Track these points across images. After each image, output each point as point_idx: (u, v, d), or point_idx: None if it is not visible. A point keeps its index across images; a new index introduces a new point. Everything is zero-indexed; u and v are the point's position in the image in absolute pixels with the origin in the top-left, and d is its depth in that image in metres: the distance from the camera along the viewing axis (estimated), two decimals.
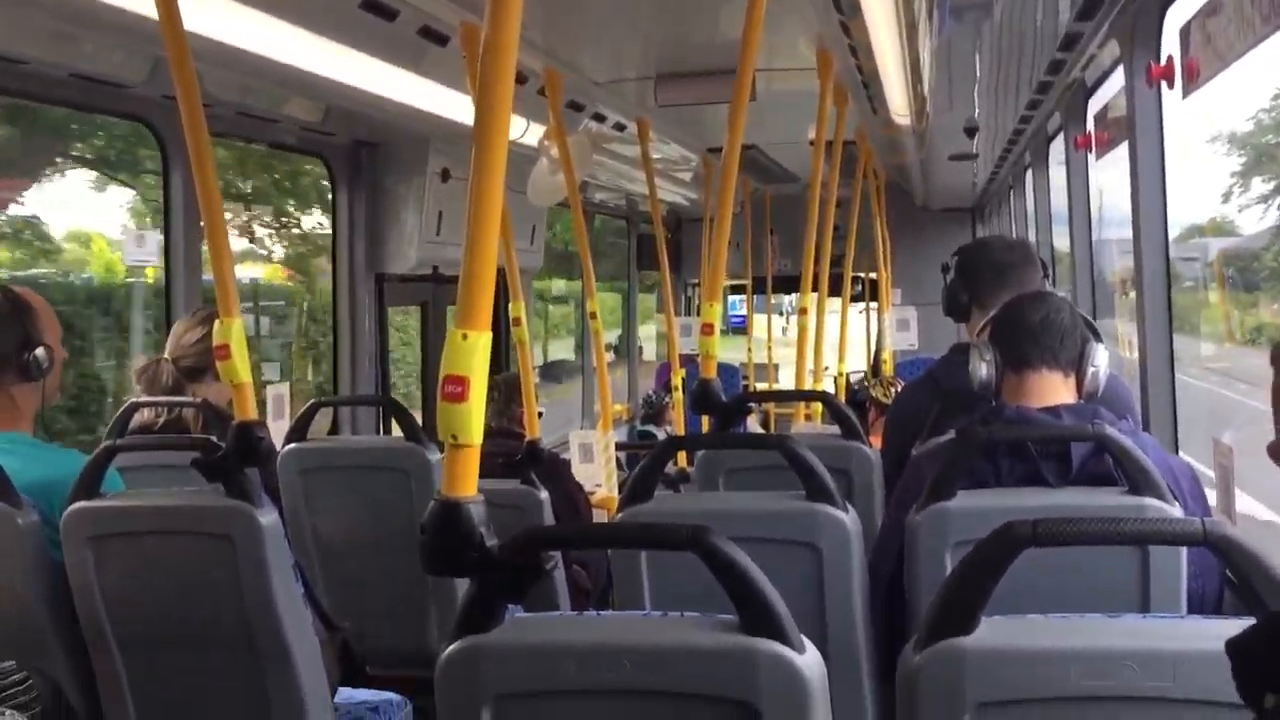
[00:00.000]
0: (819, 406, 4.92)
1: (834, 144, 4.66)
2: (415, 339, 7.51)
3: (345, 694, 2.88)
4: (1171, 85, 3.16)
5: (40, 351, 2.52)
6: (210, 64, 3.35)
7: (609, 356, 7.25)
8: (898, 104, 5.04)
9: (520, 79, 4.02)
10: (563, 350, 11.27)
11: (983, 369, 2.44)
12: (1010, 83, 5.17)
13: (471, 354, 1.59)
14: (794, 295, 11.44)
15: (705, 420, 3.56)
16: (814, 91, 4.12)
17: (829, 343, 5.94)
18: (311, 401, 3.70)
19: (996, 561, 1.47)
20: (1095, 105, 4.71)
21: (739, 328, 10.80)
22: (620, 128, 5.39)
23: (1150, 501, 2.10)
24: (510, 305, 4.36)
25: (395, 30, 3.59)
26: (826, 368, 6.37)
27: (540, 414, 4.18)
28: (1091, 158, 4.87)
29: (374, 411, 5.39)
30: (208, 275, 3.89)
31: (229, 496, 2.40)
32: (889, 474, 3.07)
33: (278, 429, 3.72)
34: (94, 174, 6.39)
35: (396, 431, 3.58)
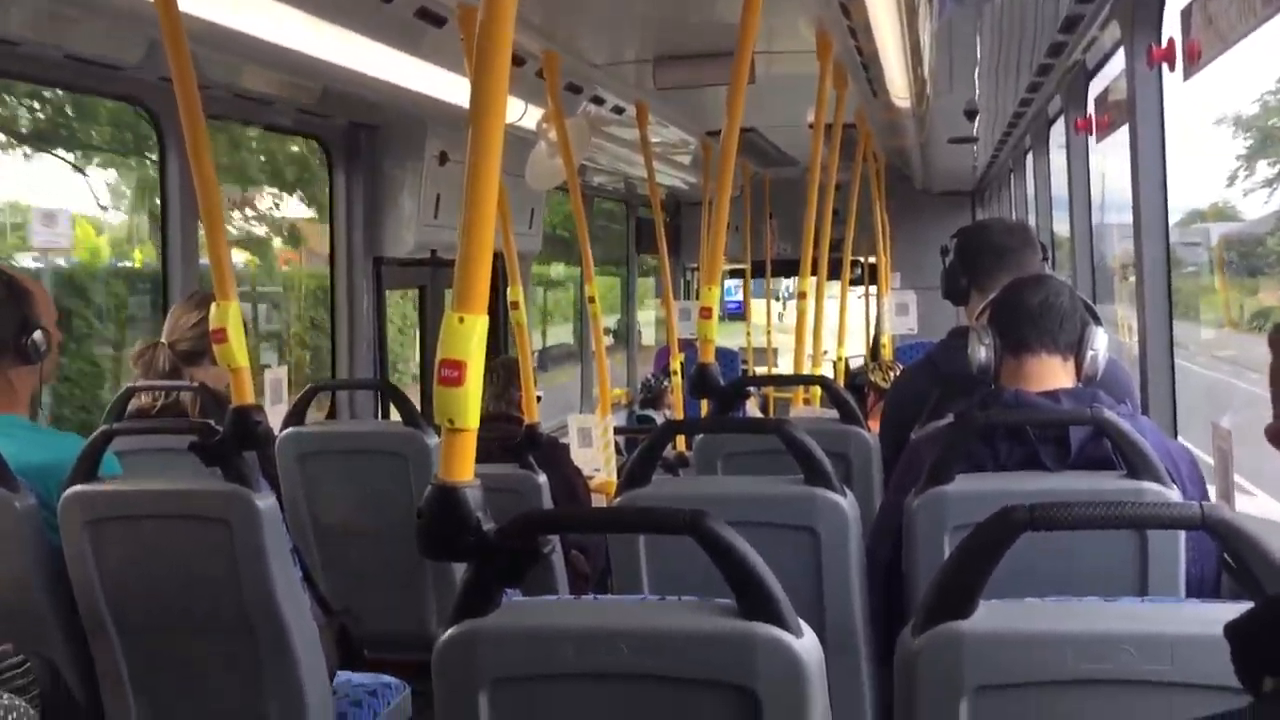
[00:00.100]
0: (818, 390, 4.92)
1: (833, 127, 4.65)
2: (405, 325, 7.51)
3: (343, 678, 2.89)
4: (1172, 68, 3.14)
5: (38, 335, 2.52)
6: (206, 46, 3.33)
7: (607, 341, 7.24)
8: (898, 86, 5.02)
9: (518, 61, 4.01)
10: (557, 336, 11.26)
11: (981, 353, 2.43)
12: (1011, 65, 5.15)
13: (468, 338, 1.58)
14: (792, 280, 11.43)
15: (704, 404, 3.56)
16: (813, 74, 4.10)
17: (828, 327, 5.94)
18: (309, 386, 3.70)
19: (994, 545, 1.46)
20: (1096, 88, 4.70)
21: (735, 314, 10.79)
22: (619, 110, 5.37)
23: (1148, 485, 2.09)
24: (508, 289, 4.35)
25: (392, 12, 3.57)
26: (825, 352, 6.36)
27: (538, 398, 4.17)
28: (1092, 141, 4.86)
29: (372, 396, 5.38)
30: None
31: (227, 481, 2.40)
32: (887, 458, 3.06)
33: (275, 413, 3.72)
34: (72, 154, 6.32)
35: (395, 416, 3.58)
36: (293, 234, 8.52)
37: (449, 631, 1.54)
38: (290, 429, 3.49)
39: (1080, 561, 2.03)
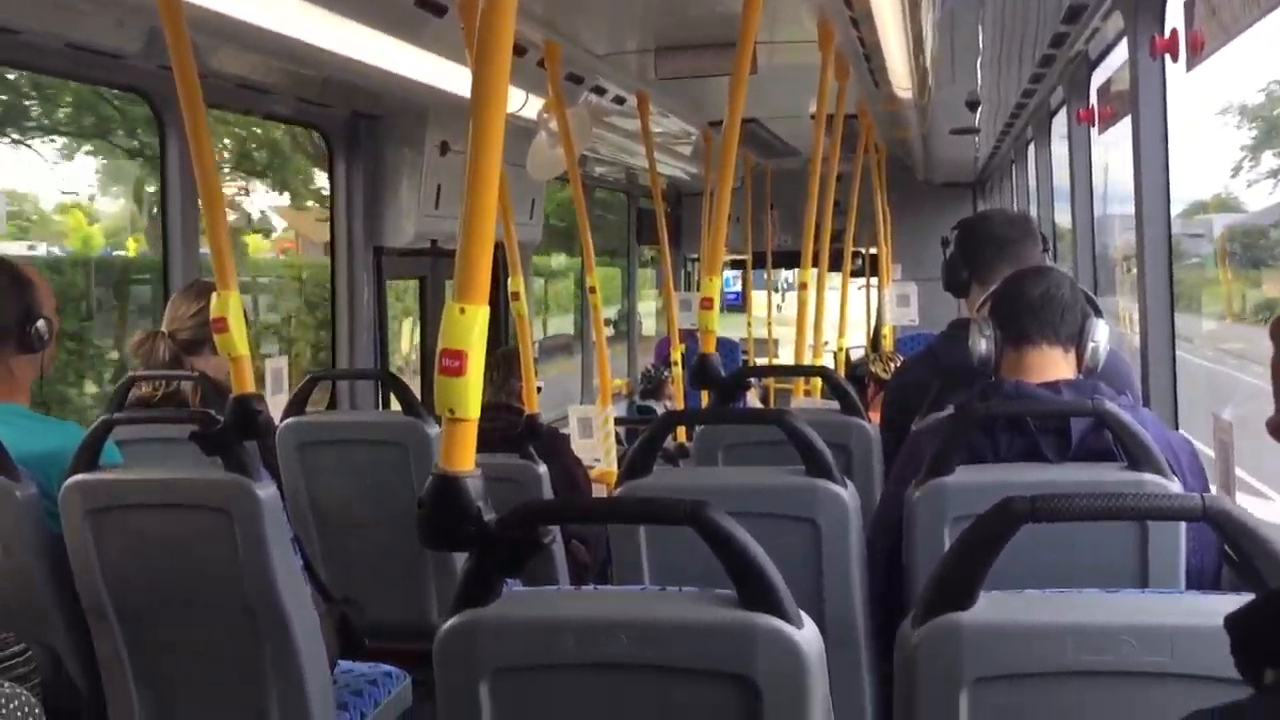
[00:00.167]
0: (818, 382, 4.91)
1: (835, 118, 4.64)
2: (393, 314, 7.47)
3: (344, 667, 2.90)
4: (1175, 59, 3.13)
5: (41, 324, 2.53)
6: (207, 34, 3.33)
7: (608, 332, 7.25)
8: (899, 77, 5.01)
9: (519, 51, 3.99)
10: (554, 328, 11.25)
11: (982, 344, 2.43)
12: (1013, 55, 5.14)
13: (469, 328, 1.58)
14: (792, 271, 11.42)
15: (704, 395, 3.55)
16: (815, 64, 4.10)
17: (828, 319, 5.93)
18: (309, 375, 3.70)
19: (995, 537, 1.46)
20: (1098, 79, 4.68)
21: (734, 305, 10.78)
22: (620, 101, 5.36)
23: (1149, 477, 2.09)
24: (509, 280, 4.35)
25: (393, 0, 3.56)
26: (826, 343, 6.36)
27: (539, 389, 4.17)
28: (1094, 132, 4.85)
29: (373, 386, 5.38)
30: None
31: (227, 470, 2.40)
32: (888, 449, 3.06)
33: (276, 403, 3.72)
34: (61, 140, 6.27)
35: (395, 406, 3.58)
36: (262, 222, 8.42)
37: (450, 621, 1.54)
38: (291, 419, 3.49)
39: (1080, 553, 2.03)
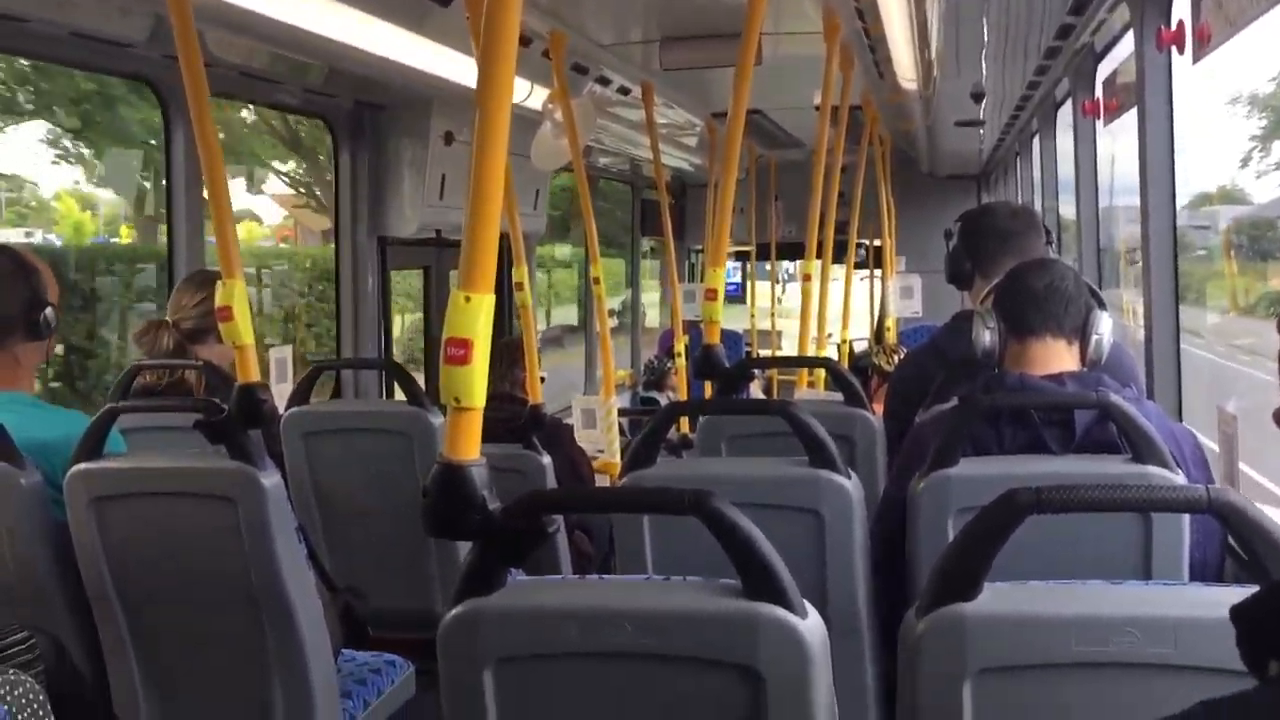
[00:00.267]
0: (822, 374, 4.91)
1: (840, 109, 4.63)
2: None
3: (348, 656, 2.90)
4: (1182, 50, 3.13)
5: (49, 311, 2.53)
6: (212, 24, 3.32)
7: (611, 322, 7.23)
8: (904, 69, 4.99)
9: (524, 41, 3.99)
10: (556, 319, 11.23)
11: (986, 336, 2.43)
12: (1018, 47, 5.12)
13: (475, 317, 1.58)
14: (794, 263, 11.40)
15: (708, 386, 3.55)
16: (820, 56, 4.09)
17: (832, 310, 5.92)
18: (313, 364, 3.71)
19: (1000, 528, 1.46)
20: (1104, 70, 4.67)
21: (734, 296, 10.77)
22: (624, 91, 5.35)
23: (1154, 469, 2.09)
24: (513, 270, 4.35)
25: None
26: (830, 335, 6.36)
27: (542, 379, 4.17)
28: (1099, 124, 4.84)
29: (377, 375, 5.39)
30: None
31: (232, 459, 2.40)
32: (891, 441, 3.06)
33: (280, 392, 3.72)
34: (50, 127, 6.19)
35: (399, 395, 3.58)
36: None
37: (453, 611, 1.55)
38: (295, 407, 3.50)
39: (1084, 545, 2.03)
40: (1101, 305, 2.41)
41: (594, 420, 4.84)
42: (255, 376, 2.61)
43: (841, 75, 4.47)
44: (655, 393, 8.35)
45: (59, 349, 5.93)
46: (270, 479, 2.40)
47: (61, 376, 5.83)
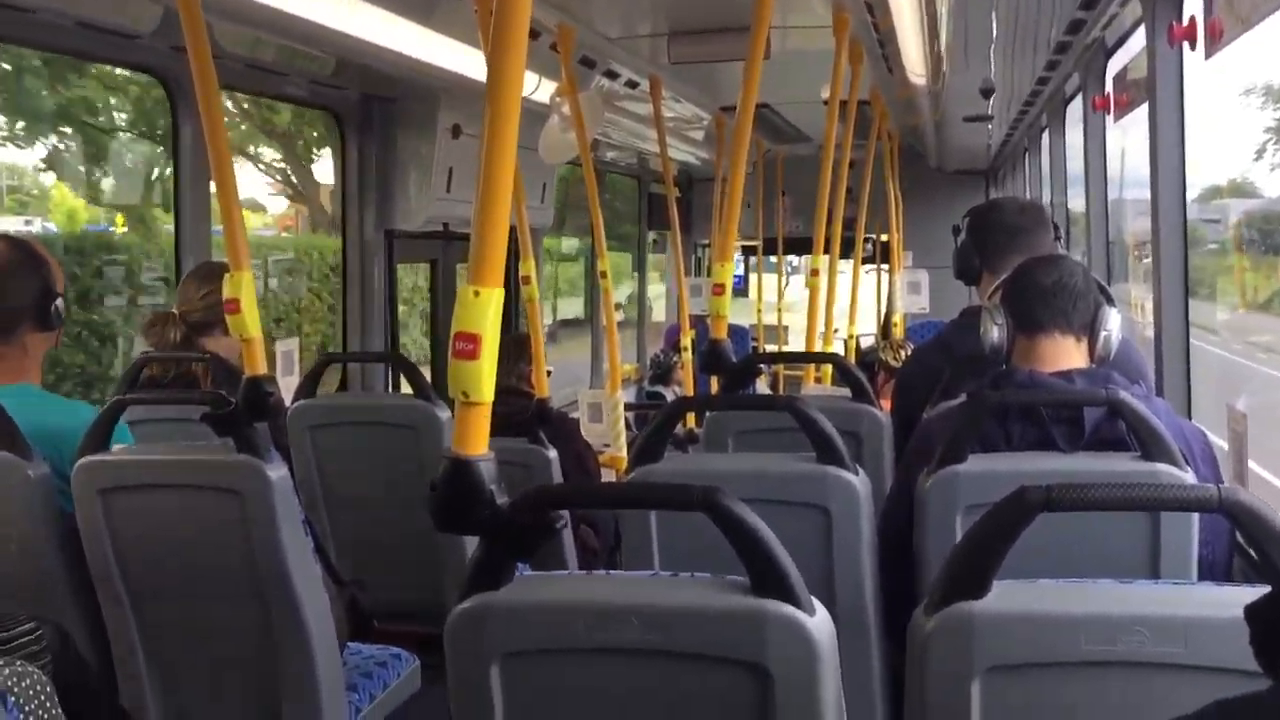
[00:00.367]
0: (828, 369, 4.91)
1: (848, 104, 4.62)
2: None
3: (353, 649, 2.90)
4: (1194, 46, 3.11)
5: (60, 302, 2.54)
6: (220, 15, 3.32)
7: (618, 316, 7.22)
8: (913, 63, 4.98)
9: (532, 34, 3.97)
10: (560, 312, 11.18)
11: (994, 332, 2.42)
12: (1028, 42, 5.10)
13: (484, 311, 1.57)
14: (800, 258, 11.38)
15: (713, 381, 3.55)
16: (829, 50, 4.07)
17: (838, 306, 5.91)
18: (320, 357, 3.71)
19: (1010, 527, 1.46)
20: (1114, 66, 4.65)
21: (738, 289, 10.75)
22: (632, 85, 5.34)
23: (1163, 467, 2.08)
24: (520, 263, 4.34)
25: None
26: (836, 330, 6.35)
27: (548, 373, 4.17)
28: (1109, 120, 4.82)
29: (383, 368, 5.39)
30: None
31: (239, 451, 2.41)
32: (898, 437, 3.06)
33: (286, 384, 3.72)
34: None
35: (405, 388, 3.59)
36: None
37: (460, 605, 1.54)
38: (302, 400, 3.50)
39: (1091, 543, 2.02)
40: (1110, 301, 2.40)
41: (600, 415, 4.84)
42: (263, 369, 2.61)
43: (850, 70, 4.46)
44: (661, 387, 8.35)
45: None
46: (277, 471, 2.40)
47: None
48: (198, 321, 3.25)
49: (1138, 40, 4.00)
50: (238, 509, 2.39)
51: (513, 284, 5.49)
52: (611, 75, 5.13)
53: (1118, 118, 4.44)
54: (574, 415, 4.75)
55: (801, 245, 8.98)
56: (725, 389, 3.40)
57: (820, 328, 4.67)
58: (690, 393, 5.26)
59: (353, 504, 3.53)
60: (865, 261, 7.55)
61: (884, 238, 8.81)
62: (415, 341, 7.40)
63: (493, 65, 1.60)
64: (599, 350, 8.47)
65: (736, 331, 8.27)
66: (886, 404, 3.41)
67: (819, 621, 1.47)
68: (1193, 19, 3.09)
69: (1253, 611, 0.96)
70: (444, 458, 1.60)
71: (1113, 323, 2.37)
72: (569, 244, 11.55)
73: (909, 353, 5.36)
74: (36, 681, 1.47)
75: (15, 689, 1.42)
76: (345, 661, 2.72)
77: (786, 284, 10.42)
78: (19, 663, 1.48)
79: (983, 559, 1.48)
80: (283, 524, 2.40)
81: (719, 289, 3.33)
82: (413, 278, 7.14)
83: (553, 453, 3.67)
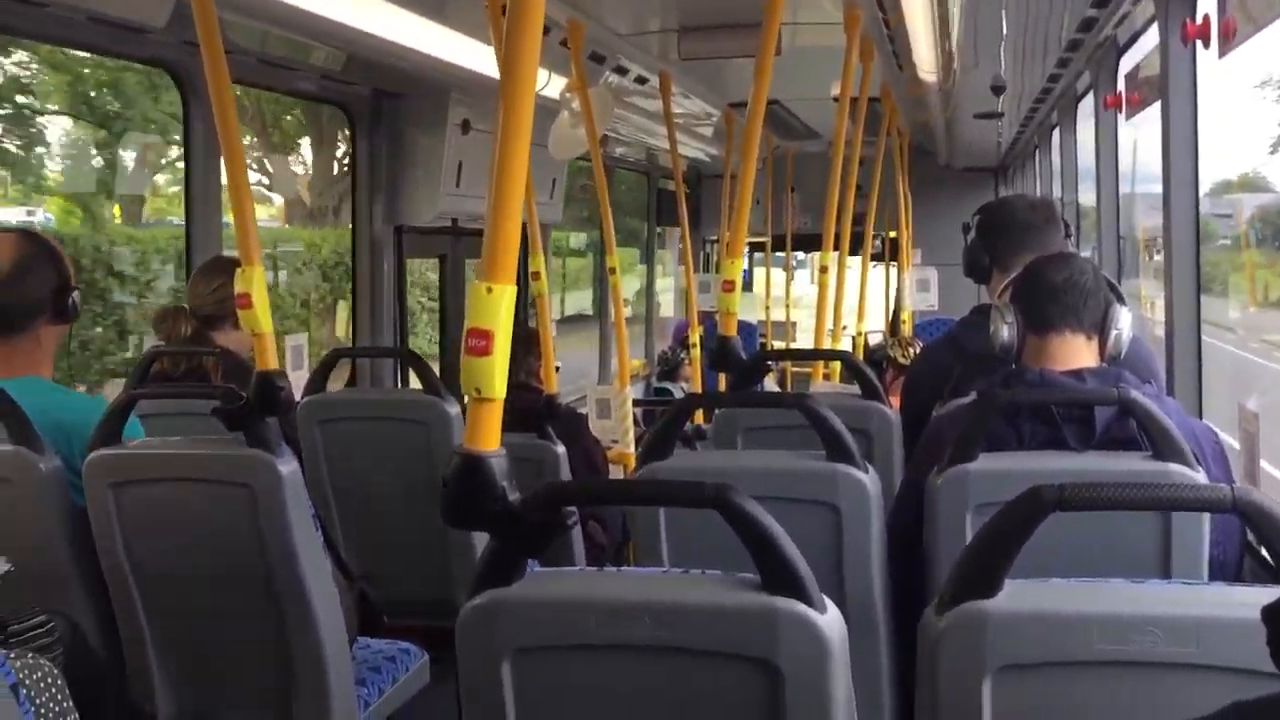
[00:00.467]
0: (836, 366, 4.90)
1: (858, 101, 4.61)
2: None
3: (363, 643, 2.91)
4: (1207, 45, 3.10)
5: (76, 294, 2.54)
6: (232, 10, 3.32)
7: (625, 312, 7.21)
8: (924, 61, 4.97)
9: (543, 30, 3.97)
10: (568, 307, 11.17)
11: (1004, 331, 2.42)
12: (1039, 40, 5.09)
13: (496, 307, 1.57)
14: (808, 255, 11.36)
15: (721, 377, 3.54)
16: (840, 47, 4.06)
17: (847, 303, 5.91)
18: (330, 352, 3.71)
19: (1022, 526, 1.45)
20: (1126, 64, 4.64)
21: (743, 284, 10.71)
22: (642, 81, 5.33)
23: (1175, 467, 2.08)
24: (529, 259, 4.34)
25: None
26: (845, 327, 6.34)
27: (557, 368, 4.17)
28: (1121, 117, 4.80)
29: (392, 363, 5.40)
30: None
31: (249, 446, 2.41)
32: (907, 435, 3.05)
33: (296, 379, 3.73)
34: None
35: (414, 383, 3.59)
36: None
37: (471, 601, 1.55)
38: (313, 395, 3.50)
39: (1101, 542, 2.02)
40: (1121, 300, 2.39)
41: (609, 410, 4.84)
42: (274, 364, 2.61)
43: (861, 66, 4.45)
44: (669, 383, 8.35)
45: None
46: (287, 466, 2.41)
47: None
48: (208, 316, 3.26)
49: (1150, 38, 3.98)
50: (248, 503, 2.40)
51: (523, 280, 5.49)
52: (621, 71, 5.12)
53: (1130, 116, 4.43)
54: (582, 411, 4.75)
55: (810, 242, 8.97)
56: (734, 386, 3.39)
57: (829, 325, 4.66)
58: (698, 389, 5.26)
59: (362, 499, 3.53)
60: (874, 259, 7.52)
61: (893, 235, 8.79)
62: (420, 349, 7.38)
63: (505, 61, 1.61)
64: (607, 346, 8.46)
65: (744, 328, 8.25)
66: (895, 401, 3.40)
67: (830, 619, 1.47)
68: (1206, 17, 3.08)
69: (1270, 613, 0.96)
70: (455, 454, 1.60)
71: (1124, 321, 2.36)
72: (576, 239, 11.53)
73: (917, 350, 5.34)
74: (48, 674, 1.48)
75: (27, 681, 1.43)
76: (354, 656, 2.73)
77: (791, 279, 10.40)
78: (30, 655, 1.49)
79: (994, 558, 1.47)
80: (293, 518, 2.40)
81: (729, 286, 3.32)
82: (420, 279, 7.10)
83: (561, 448, 3.68)
